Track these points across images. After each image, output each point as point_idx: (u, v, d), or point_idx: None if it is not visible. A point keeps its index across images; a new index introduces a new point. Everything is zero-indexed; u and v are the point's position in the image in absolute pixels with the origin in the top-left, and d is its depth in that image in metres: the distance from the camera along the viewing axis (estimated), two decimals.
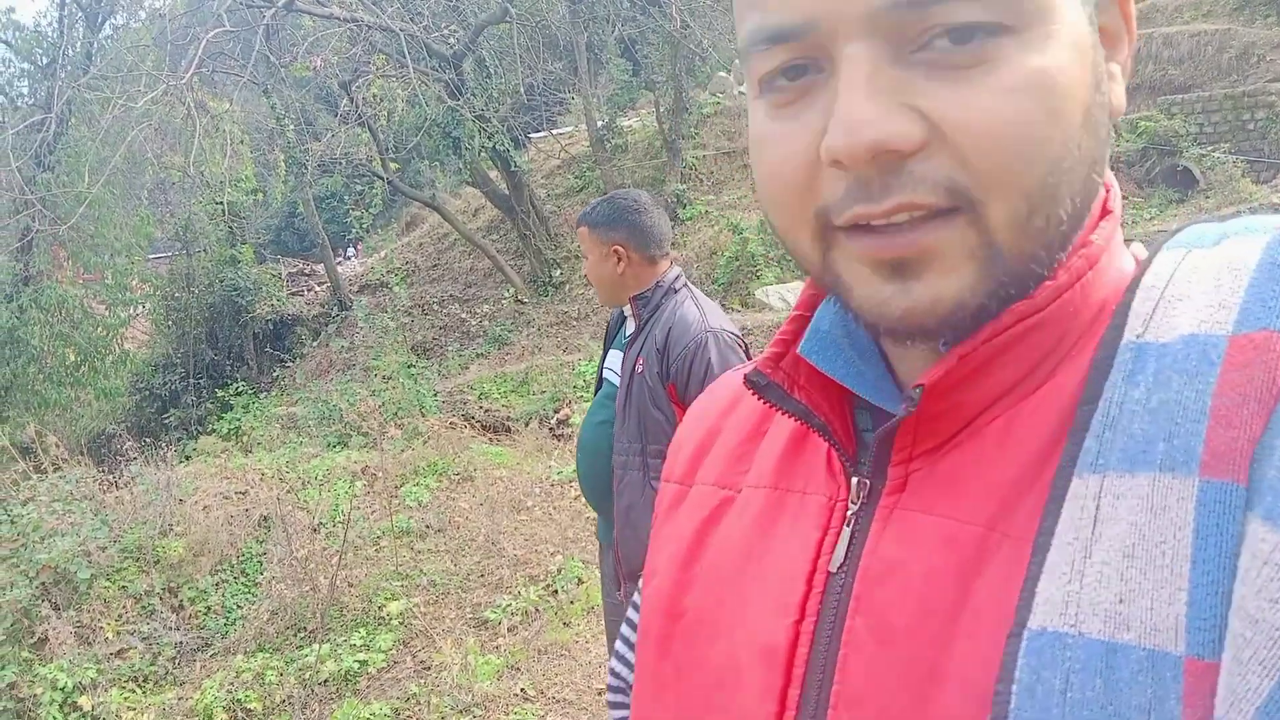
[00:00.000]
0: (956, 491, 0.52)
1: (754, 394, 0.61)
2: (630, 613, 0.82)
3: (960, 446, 0.53)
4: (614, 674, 0.84)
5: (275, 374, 13.34)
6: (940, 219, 0.47)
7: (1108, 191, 0.55)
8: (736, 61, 16.67)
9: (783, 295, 10.61)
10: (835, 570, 0.55)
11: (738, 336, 2.43)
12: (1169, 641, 0.41)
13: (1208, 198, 10.91)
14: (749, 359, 2.41)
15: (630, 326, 2.56)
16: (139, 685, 4.44)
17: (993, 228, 0.47)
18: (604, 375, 2.65)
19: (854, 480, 0.57)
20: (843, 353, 0.59)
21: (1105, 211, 0.55)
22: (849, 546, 0.55)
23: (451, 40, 12.83)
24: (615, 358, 2.59)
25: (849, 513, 0.56)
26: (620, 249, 2.48)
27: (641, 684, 0.68)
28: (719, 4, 13.43)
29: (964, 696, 0.47)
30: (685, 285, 2.52)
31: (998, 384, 0.53)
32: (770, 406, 0.61)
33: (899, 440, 0.54)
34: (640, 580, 0.77)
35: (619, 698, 0.84)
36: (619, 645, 0.83)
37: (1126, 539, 0.43)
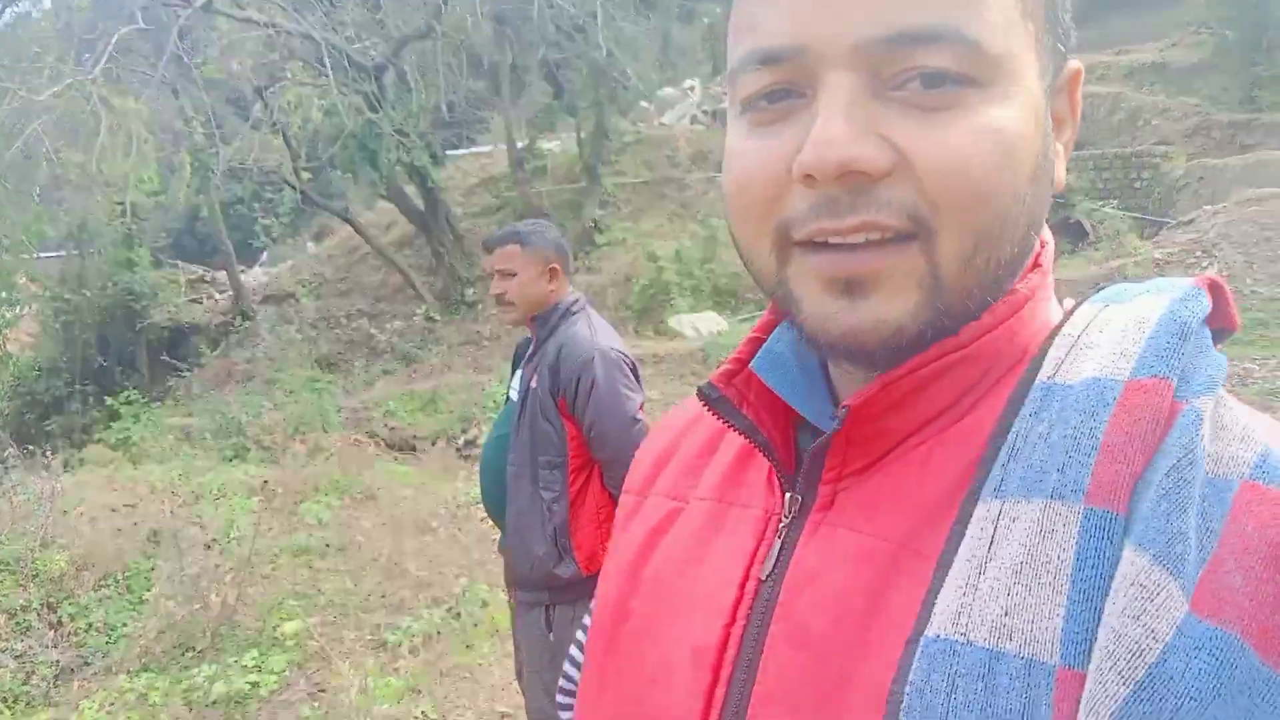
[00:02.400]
0: (877, 510, 0.56)
1: (705, 405, 0.64)
2: (587, 618, 0.86)
3: (885, 469, 0.57)
4: (566, 677, 0.89)
5: (170, 383, 12.82)
6: (896, 244, 0.51)
7: (1042, 248, 0.60)
8: (659, 92, 16.89)
9: (695, 324, 10.73)
10: (765, 578, 0.59)
11: (624, 355, 2.58)
12: (1045, 652, 0.45)
13: (1096, 249, 11.49)
14: (636, 377, 2.58)
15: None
16: (9, 706, 4.19)
17: (941, 259, 0.51)
18: (509, 395, 2.77)
19: (788, 495, 0.60)
20: (790, 374, 0.63)
21: (1036, 265, 0.59)
22: (778, 556, 0.59)
23: (373, 52, 12.67)
24: (518, 378, 2.72)
25: (781, 525, 0.60)
26: (556, 267, 2.63)
27: (586, 682, 0.71)
28: (644, 34, 13.61)
29: (868, 699, 0.51)
30: (583, 308, 2.66)
31: (922, 413, 0.57)
32: (719, 419, 0.64)
33: (830, 459, 0.58)
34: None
35: (567, 699, 0.88)
36: (572, 650, 0.88)
37: (1016, 558, 0.47)
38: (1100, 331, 0.53)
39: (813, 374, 0.64)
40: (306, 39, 11.68)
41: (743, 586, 0.60)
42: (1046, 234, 0.62)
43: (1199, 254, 10.09)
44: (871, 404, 0.55)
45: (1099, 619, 0.44)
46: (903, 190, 0.50)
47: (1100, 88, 16.29)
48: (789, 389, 0.62)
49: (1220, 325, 0.54)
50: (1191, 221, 10.92)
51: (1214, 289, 0.53)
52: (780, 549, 0.59)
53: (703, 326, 10.61)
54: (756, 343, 0.65)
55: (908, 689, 0.47)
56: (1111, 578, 0.45)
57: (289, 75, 12.65)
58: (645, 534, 0.71)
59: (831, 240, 0.52)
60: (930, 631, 0.48)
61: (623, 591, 0.69)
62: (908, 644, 0.49)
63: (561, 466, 2.53)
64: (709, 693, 0.58)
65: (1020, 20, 0.52)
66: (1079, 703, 0.43)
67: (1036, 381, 0.53)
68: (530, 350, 2.65)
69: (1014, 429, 0.52)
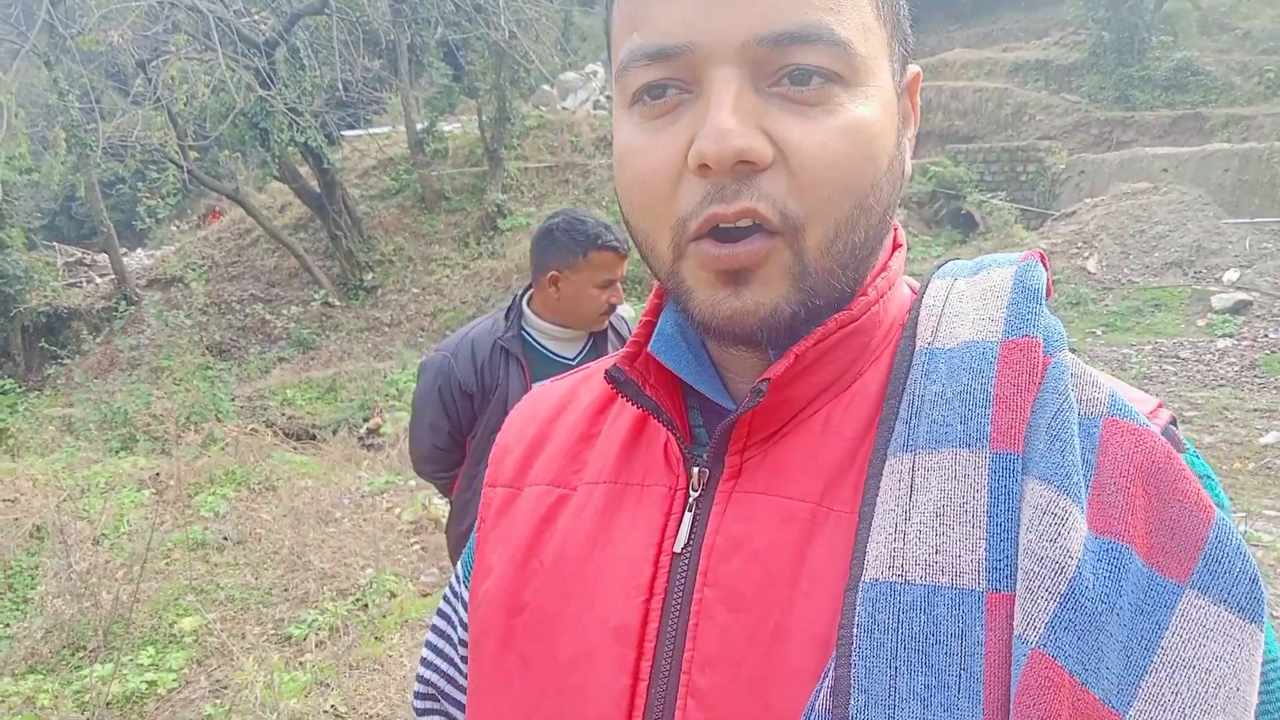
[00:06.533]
0: (788, 474, 0.61)
1: (614, 388, 0.66)
2: (438, 620, 0.84)
3: (788, 436, 0.62)
4: (422, 680, 0.86)
5: (48, 371, 12.16)
6: (770, 236, 0.56)
7: (896, 230, 0.67)
8: (560, 76, 16.78)
9: None
10: (680, 551, 0.62)
11: None
12: (973, 581, 0.52)
13: (986, 239, 11.96)
14: None
15: (565, 349, 2.47)
16: None
17: (806, 250, 0.57)
18: None
19: (694, 470, 0.63)
20: (684, 354, 0.66)
21: (897, 245, 0.67)
22: (692, 528, 0.62)
23: (263, 27, 12.21)
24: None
25: (691, 499, 0.63)
26: None
27: (481, 679, 0.70)
28: (547, 17, 13.49)
29: (807, 647, 0.56)
30: None
31: (820, 381, 0.62)
32: (626, 400, 0.66)
33: (736, 432, 0.62)
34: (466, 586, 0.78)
35: (428, 704, 0.85)
36: (426, 653, 0.85)
37: (937, 503, 0.54)
38: (960, 302, 0.62)
39: (699, 354, 0.67)
40: (192, 10, 11.18)
41: (656, 561, 0.62)
42: (896, 218, 0.69)
43: (1080, 244, 10.61)
44: (786, 375, 0.60)
45: (1017, 547, 0.51)
46: (779, 184, 0.55)
47: (988, 83, 16.91)
48: (686, 368, 0.65)
49: None
50: (1073, 214, 11.46)
51: (1041, 261, 0.63)
52: (694, 521, 0.62)
53: None
54: (649, 325, 0.69)
55: (855, 631, 0.52)
56: (1019, 510, 0.52)
57: (173, 49, 12.08)
58: (531, 526, 0.71)
59: (722, 225, 0.56)
60: (868, 577, 0.53)
61: (513, 585, 0.69)
62: (846, 592, 0.54)
63: None
64: (635, 667, 0.60)
65: (876, 25, 0.58)
66: (1009, 619, 0.50)
67: (918, 348, 0.61)
68: (589, 349, 2.47)
69: (907, 390, 0.59)
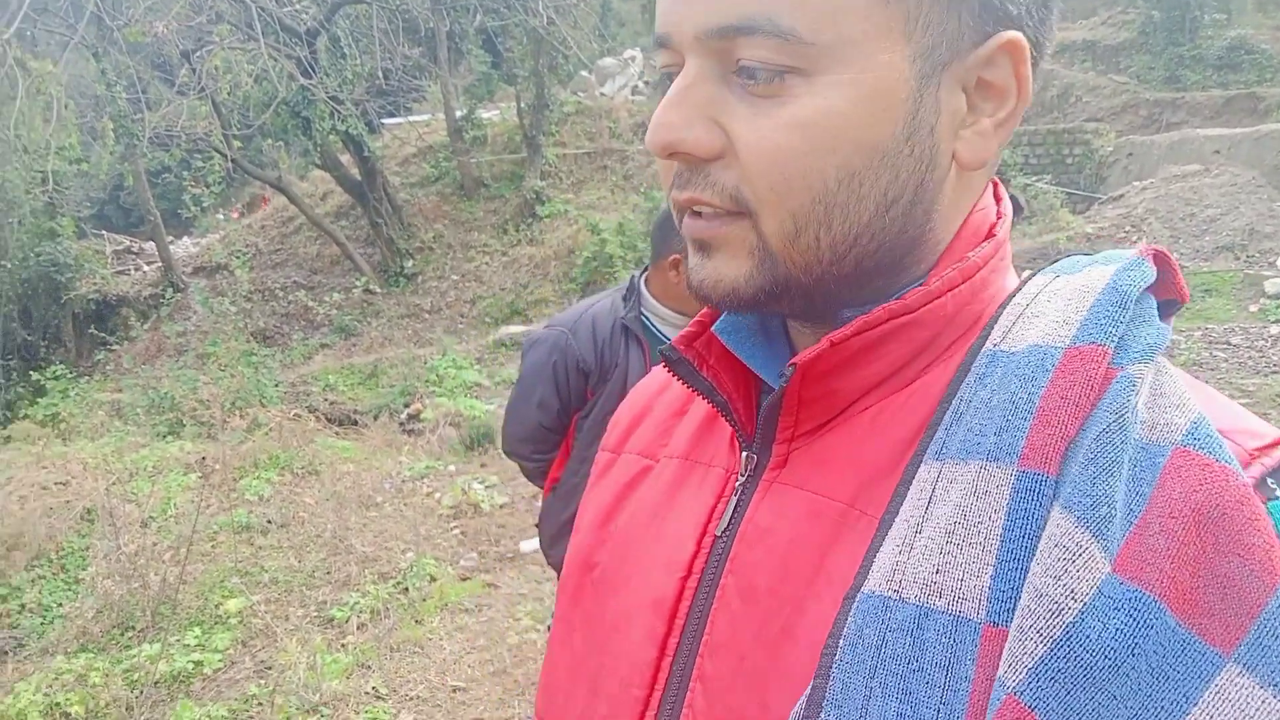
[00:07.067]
0: (827, 470, 0.58)
1: (665, 367, 0.66)
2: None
3: (835, 430, 0.60)
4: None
5: (98, 357, 12.43)
6: (731, 217, 0.56)
7: (999, 219, 0.62)
8: (598, 62, 16.76)
9: None
10: (720, 534, 0.62)
11: None
12: (972, 609, 0.47)
13: (1031, 224, 11.76)
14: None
15: (671, 331, 2.42)
16: None
17: (766, 235, 0.55)
18: None
19: (744, 455, 0.63)
20: (751, 337, 0.65)
21: (990, 235, 0.61)
22: (733, 513, 0.62)
23: (305, 16, 12.32)
24: None
25: (737, 483, 0.63)
26: None
27: (555, 628, 0.74)
28: (585, 2, 13.45)
29: (808, 650, 0.53)
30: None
31: (871, 375, 0.58)
32: (679, 381, 0.66)
33: (783, 420, 0.61)
34: None
35: None
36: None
37: (950, 518, 0.49)
38: (1048, 301, 0.55)
39: (775, 337, 0.66)
40: (235, 1, 11.31)
41: (699, 542, 0.63)
42: (1006, 207, 0.64)
43: (1128, 229, 10.39)
44: (819, 363, 0.57)
45: (1026, 578, 0.45)
46: (728, 174, 0.55)
47: None
48: (748, 351, 0.64)
49: (1169, 296, 0.55)
50: (1121, 197, 11.23)
51: (1160, 260, 0.54)
52: (736, 506, 0.62)
53: None
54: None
55: (841, 642, 0.49)
56: (1039, 538, 0.46)
57: (217, 39, 12.23)
58: (616, 490, 0.73)
59: (694, 208, 0.57)
60: (866, 588, 0.50)
61: (591, 544, 0.72)
62: (845, 600, 0.51)
63: None
64: (663, 641, 0.61)
65: (864, 3, 0.52)
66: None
67: (984, 348, 0.55)
68: None
69: (958, 394, 0.54)
